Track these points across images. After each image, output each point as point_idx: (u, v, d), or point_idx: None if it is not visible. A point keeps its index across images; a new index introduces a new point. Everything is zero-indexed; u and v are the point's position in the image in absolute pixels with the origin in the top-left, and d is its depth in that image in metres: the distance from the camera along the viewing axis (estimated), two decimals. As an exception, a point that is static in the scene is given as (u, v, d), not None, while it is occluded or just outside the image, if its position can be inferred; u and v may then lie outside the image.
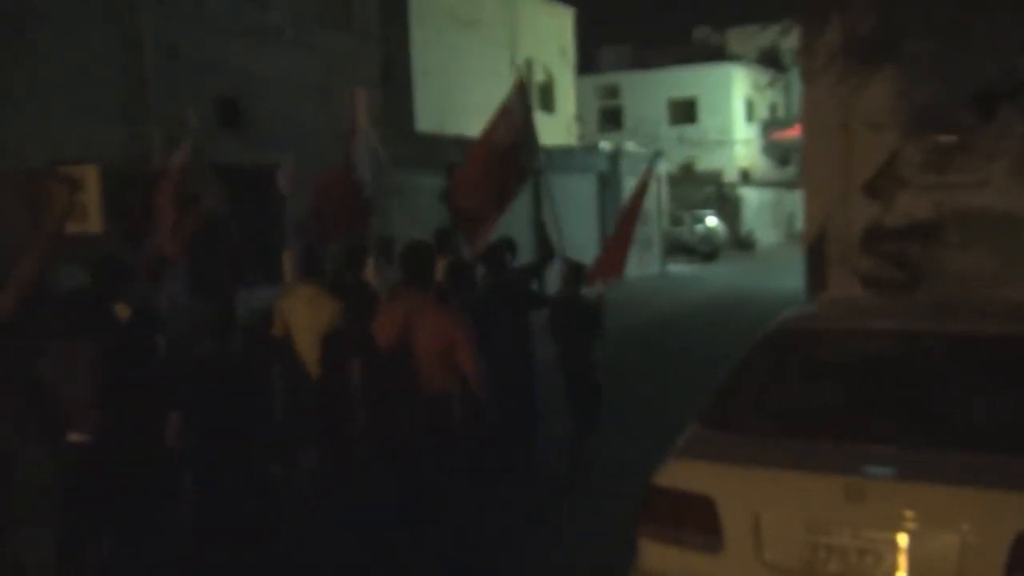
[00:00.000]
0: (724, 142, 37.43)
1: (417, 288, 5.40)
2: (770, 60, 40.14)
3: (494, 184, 7.16)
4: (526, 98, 7.50)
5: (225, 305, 5.65)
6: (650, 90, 38.92)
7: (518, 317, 7.08)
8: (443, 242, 7.87)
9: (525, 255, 7.99)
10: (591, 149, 23.52)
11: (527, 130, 7.33)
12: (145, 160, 7.97)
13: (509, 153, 7.24)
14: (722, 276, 12.48)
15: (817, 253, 9.75)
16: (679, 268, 25.27)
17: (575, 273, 7.55)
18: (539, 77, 24.05)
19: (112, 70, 7.74)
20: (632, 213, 7.95)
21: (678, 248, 27.98)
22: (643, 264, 21.91)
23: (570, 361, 7.44)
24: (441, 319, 5.26)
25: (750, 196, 37.83)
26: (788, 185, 38.93)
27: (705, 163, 38.00)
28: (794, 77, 34.81)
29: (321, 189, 7.54)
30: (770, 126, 41.31)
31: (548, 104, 24.45)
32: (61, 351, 4.85)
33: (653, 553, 3.97)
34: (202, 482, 5.30)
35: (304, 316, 6.46)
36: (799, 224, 10.30)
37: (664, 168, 26.43)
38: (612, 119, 39.52)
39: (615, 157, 22.48)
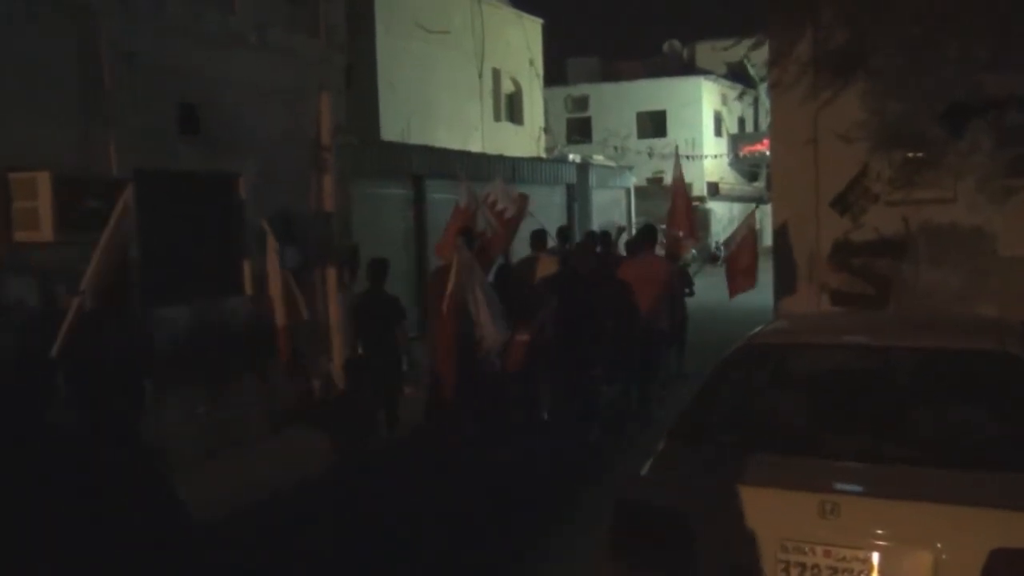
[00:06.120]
0: (693, 156, 37.52)
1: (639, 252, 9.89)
2: (738, 75, 40.35)
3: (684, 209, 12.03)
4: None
5: None
6: (619, 102, 38.98)
7: None
8: (542, 239, 10.40)
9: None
10: (559, 161, 23.47)
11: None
12: (101, 166, 7.72)
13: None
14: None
15: (786, 268, 9.73)
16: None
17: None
18: (507, 88, 23.98)
19: (68, 75, 7.52)
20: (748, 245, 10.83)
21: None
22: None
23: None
24: (661, 266, 9.72)
25: (719, 210, 38.02)
26: (757, 199, 39.16)
27: (674, 176, 38.08)
28: (763, 92, 35.10)
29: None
30: (739, 140, 41.51)
31: (516, 115, 24.37)
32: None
33: (619, 571, 3.86)
34: None
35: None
36: (768, 239, 10.43)
37: (632, 181, 26.47)
38: (581, 131, 39.53)
39: (584, 169, 22.45)
